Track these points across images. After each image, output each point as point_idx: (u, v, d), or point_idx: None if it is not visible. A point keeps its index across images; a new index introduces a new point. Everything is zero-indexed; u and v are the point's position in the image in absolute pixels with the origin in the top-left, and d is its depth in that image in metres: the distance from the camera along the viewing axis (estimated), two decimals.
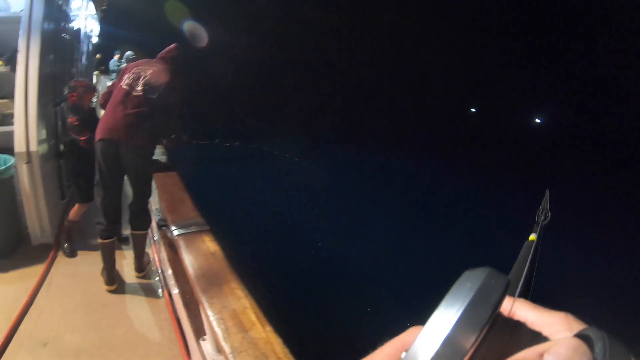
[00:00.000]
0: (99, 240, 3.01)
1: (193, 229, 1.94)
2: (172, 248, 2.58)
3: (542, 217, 2.77)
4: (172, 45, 3.07)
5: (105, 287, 3.09)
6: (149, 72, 2.86)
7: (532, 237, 2.52)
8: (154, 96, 2.78)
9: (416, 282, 5.31)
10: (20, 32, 3.36)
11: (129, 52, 8.17)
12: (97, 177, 2.95)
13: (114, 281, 3.10)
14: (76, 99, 3.36)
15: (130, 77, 2.86)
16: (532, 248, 2.41)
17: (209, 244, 1.82)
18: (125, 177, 2.95)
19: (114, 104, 2.82)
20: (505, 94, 42.39)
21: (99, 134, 2.81)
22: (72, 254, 3.42)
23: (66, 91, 3.43)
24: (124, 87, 2.82)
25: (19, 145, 3.28)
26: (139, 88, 2.79)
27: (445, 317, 0.26)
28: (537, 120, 40.51)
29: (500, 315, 0.29)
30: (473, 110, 42.86)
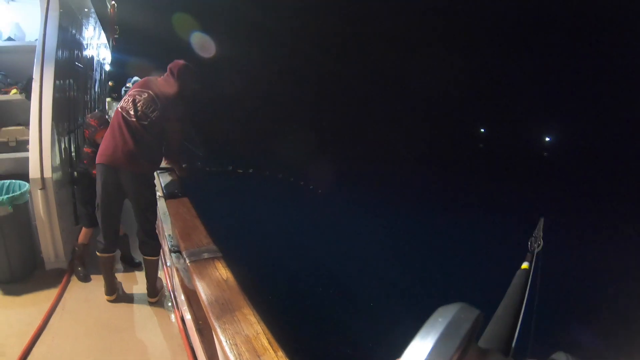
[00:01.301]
0: (98, 254, 3.07)
1: (206, 255, 1.94)
2: (184, 274, 2.57)
3: (536, 245, 2.63)
4: (180, 63, 3.01)
5: (105, 297, 3.17)
6: (144, 95, 2.84)
7: (525, 265, 2.38)
8: (146, 122, 2.78)
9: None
10: (35, 60, 3.45)
11: (135, 78, 8.36)
12: (97, 199, 2.97)
13: (113, 292, 3.19)
14: (89, 136, 3.43)
15: (126, 101, 2.87)
16: (528, 278, 2.27)
17: (222, 271, 1.82)
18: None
19: (112, 129, 2.86)
20: (516, 112, 41.00)
21: (98, 159, 2.84)
22: (85, 278, 3.45)
23: (80, 122, 3.49)
24: (120, 111, 2.84)
25: (33, 172, 3.34)
26: (132, 113, 2.79)
27: (418, 349, 0.29)
28: (547, 139, 38.60)
29: (472, 346, 0.32)
30: (482, 130, 41.21)
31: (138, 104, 2.80)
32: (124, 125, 2.77)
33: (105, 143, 2.85)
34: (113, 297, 3.16)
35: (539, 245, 2.58)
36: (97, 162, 2.85)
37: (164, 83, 2.93)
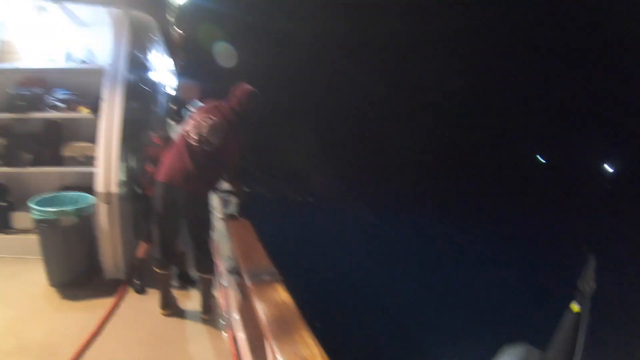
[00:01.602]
0: (154, 269, 3.20)
1: (266, 277, 2.01)
2: (241, 294, 2.65)
3: (588, 286, 2.51)
4: (245, 88, 3.07)
5: (160, 311, 3.28)
6: (208, 121, 2.94)
7: (574, 307, 2.29)
8: (207, 147, 2.89)
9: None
10: (105, 82, 3.72)
11: (197, 102, 8.81)
12: (154, 214, 3.11)
13: (168, 306, 3.31)
14: (152, 153, 3.61)
15: (190, 124, 3.00)
16: (579, 322, 2.20)
17: (281, 293, 1.88)
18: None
19: (174, 150, 3.01)
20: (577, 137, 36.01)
21: (159, 176, 3.00)
22: (141, 290, 3.62)
23: (145, 142, 3.68)
24: (183, 134, 2.99)
25: (100, 186, 3.59)
26: (195, 137, 2.91)
27: None
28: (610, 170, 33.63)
29: None
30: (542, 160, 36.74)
31: (201, 129, 2.92)
32: (186, 148, 2.91)
33: (166, 163, 3.00)
34: (167, 312, 3.28)
35: (591, 287, 2.51)
36: (157, 179, 3.00)
37: (229, 109, 3.02)
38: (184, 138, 2.96)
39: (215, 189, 3.18)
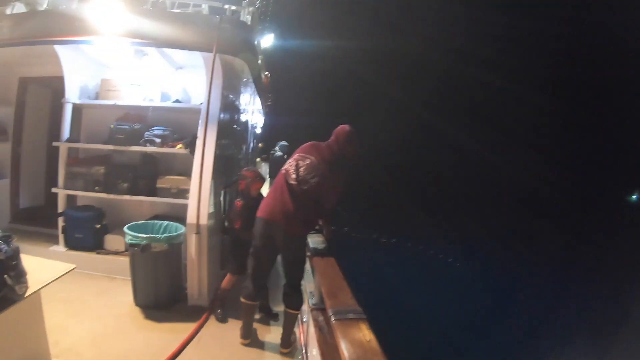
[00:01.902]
0: (242, 300, 3.32)
1: (351, 316, 2.03)
2: (322, 331, 2.69)
3: None
4: (346, 129, 3.11)
5: (240, 341, 3.38)
6: (307, 162, 3.02)
7: None
8: (306, 187, 2.97)
9: None
10: (200, 121, 4.05)
11: (283, 142, 9.36)
12: (252, 248, 3.23)
13: (248, 336, 3.42)
14: (244, 187, 3.81)
15: (290, 164, 3.11)
16: None
17: (365, 332, 1.89)
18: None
19: (274, 189, 3.14)
20: None
21: (259, 213, 3.14)
22: (223, 319, 3.77)
23: (236, 177, 3.93)
24: (283, 173, 3.10)
25: (191, 217, 3.87)
26: (293, 177, 3.01)
27: None
28: None
29: None
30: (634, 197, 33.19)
31: (300, 169, 3.01)
32: (285, 187, 3.01)
33: (267, 200, 3.15)
34: (247, 342, 3.40)
35: None
36: (257, 215, 3.14)
37: (328, 150, 3.09)
38: (284, 177, 3.07)
39: (312, 228, 3.24)
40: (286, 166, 3.13)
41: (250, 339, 3.44)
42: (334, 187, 3.05)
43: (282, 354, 3.33)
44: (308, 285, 3.38)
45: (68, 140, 4.73)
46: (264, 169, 10.53)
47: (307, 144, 3.22)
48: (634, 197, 32.24)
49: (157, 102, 4.78)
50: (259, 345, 3.47)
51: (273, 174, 9.62)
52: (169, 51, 4.61)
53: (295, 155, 3.15)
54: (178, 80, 5.03)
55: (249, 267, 3.27)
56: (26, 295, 2.21)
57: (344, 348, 1.73)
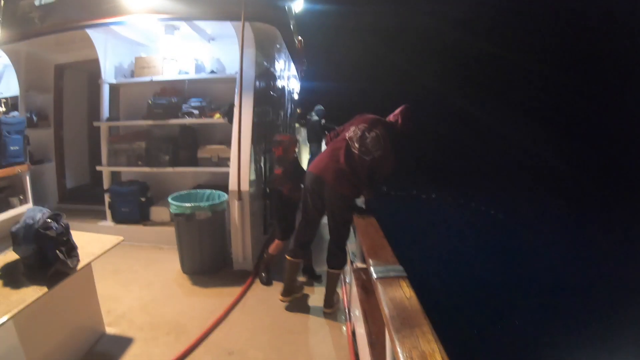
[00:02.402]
0: (287, 257, 3.39)
1: (392, 274, 2.04)
2: (364, 290, 2.69)
3: None
4: (406, 107, 3.18)
5: (280, 297, 3.43)
6: (372, 134, 3.05)
7: None
8: (367, 158, 3.00)
9: None
10: (236, 90, 4.03)
11: (319, 106, 9.39)
12: (302, 205, 3.28)
13: (289, 294, 3.46)
14: (282, 152, 3.81)
15: (354, 131, 3.11)
16: None
17: (405, 289, 1.89)
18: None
19: (332, 148, 3.15)
20: None
21: (311, 167, 3.18)
22: (267, 282, 3.84)
23: (273, 144, 3.94)
24: (346, 137, 3.10)
25: (232, 185, 3.92)
26: (357, 145, 3.04)
27: None
28: None
29: None
30: None
31: (367, 140, 3.04)
32: (345, 152, 3.04)
33: (321, 157, 3.18)
34: (287, 299, 3.44)
35: None
36: (308, 169, 3.19)
37: (392, 127, 3.14)
38: (346, 142, 3.10)
39: (359, 195, 3.22)
40: (350, 133, 3.12)
41: (291, 296, 3.47)
42: (390, 163, 3.06)
43: (325, 314, 3.36)
44: (350, 246, 3.37)
45: (108, 120, 4.88)
46: (303, 133, 10.55)
47: (371, 115, 3.24)
48: None
49: (192, 75, 4.81)
50: (303, 306, 3.51)
51: (311, 138, 9.62)
52: (200, 23, 4.60)
53: (360, 125, 3.14)
54: (211, 51, 5.03)
55: (298, 223, 3.33)
56: (78, 268, 2.33)
57: (385, 305, 1.74)
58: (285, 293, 3.46)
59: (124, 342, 2.86)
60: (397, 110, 3.18)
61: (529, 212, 12.23)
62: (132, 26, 4.68)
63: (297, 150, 4.00)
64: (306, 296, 3.68)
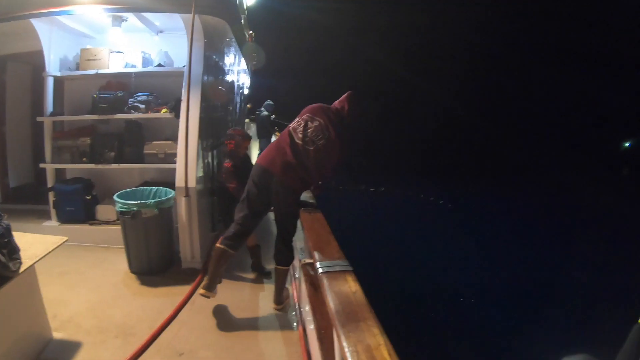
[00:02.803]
0: (217, 245, 3.15)
1: (337, 268, 2.04)
2: (313, 285, 2.69)
3: None
4: (354, 94, 3.12)
5: (200, 291, 3.13)
6: (315, 123, 3.00)
7: None
8: (311, 148, 2.96)
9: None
10: (183, 84, 3.95)
11: (268, 102, 9.27)
12: (243, 194, 3.15)
13: (212, 288, 3.14)
14: (234, 146, 3.78)
15: (297, 122, 3.08)
16: None
17: (351, 283, 1.90)
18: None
19: (278, 141, 3.11)
20: None
21: (259, 160, 3.13)
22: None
23: (225, 138, 3.88)
24: (290, 129, 3.07)
25: (179, 181, 3.83)
26: (300, 136, 3.00)
27: None
28: None
29: None
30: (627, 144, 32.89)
31: (308, 130, 2.99)
32: (290, 144, 3.00)
33: (269, 150, 3.12)
34: (209, 294, 3.14)
35: None
36: (256, 162, 3.13)
37: (336, 114, 3.08)
38: (289, 134, 3.06)
39: (307, 188, 3.19)
40: (293, 124, 3.09)
41: (214, 293, 3.20)
42: (337, 152, 3.01)
43: (276, 311, 3.33)
44: (299, 242, 3.37)
45: (52, 114, 4.64)
46: (253, 129, 10.44)
47: (315, 105, 3.18)
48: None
49: (139, 68, 4.67)
50: (253, 304, 3.50)
51: (261, 133, 9.53)
52: (148, 15, 4.47)
53: (304, 115, 3.10)
54: (159, 44, 4.91)
55: (237, 213, 3.17)
56: (21, 271, 2.21)
57: (330, 300, 1.74)
58: (210, 287, 3.14)
59: (72, 348, 2.75)
60: (343, 96, 3.13)
61: (475, 202, 12.74)
62: (79, 17, 4.46)
63: (248, 147, 3.97)
64: (256, 293, 3.66)
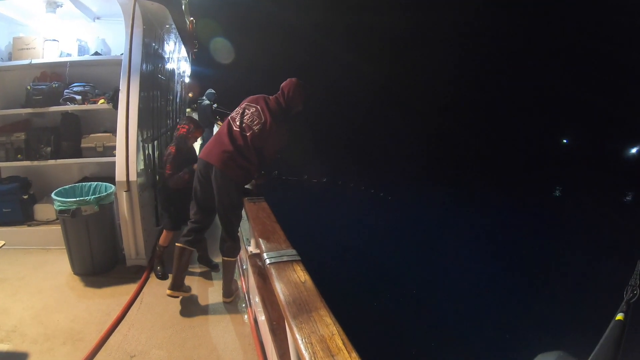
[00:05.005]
0: (177, 244, 3.20)
1: (285, 258, 2.01)
2: (261, 276, 2.66)
3: (631, 294, 2.37)
4: (293, 81, 3.09)
5: (167, 292, 3.17)
6: (252, 110, 3.02)
7: (620, 316, 2.14)
8: (248, 134, 2.95)
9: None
10: (121, 73, 3.75)
11: (211, 90, 9.07)
12: (193, 192, 3.16)
13: (178, 288, 3.20)
14: (185, 132, 3.68)
15: (236, 111, 3.09)
16: (623, 331, 2.09)
17: (300, 273, 1.87)
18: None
19: (218, 133, 3.10)
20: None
21: (201, 154, 3.10)
22: (163, 276, 3.67)
23: (180, 121, 3.76)
24: (229, 119, 3.07)
25: (119, 175, 3.65)
26: (237, 123, 3.00)
27: None
28: None
29: None
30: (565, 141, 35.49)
31: (245, 117, 3.01)
32: (228, 132, 3.00)
33: (209, 143, 3.10)
34: (177, 294, 3.21)
35: (634, 294, 2.28)
36: (199, 156, 3.11)
37: (274, 101, 3.08)
38: (229, 123, 3.06)
39: (248, 177, 3.14)
40: (232, 114, 3.10)
41: (180, 291, 3.27)
42: (275, 138, 3.01)
43: (225, 304, 3.29)
44: (245, 232, 3.29)
45: None
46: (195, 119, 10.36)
47: (256, 95, 3.18)
48: None
49: (75, 57, 4.39)
50: (202, 298, 3.42)
51: (203, 123, 9.38)
52: (85, 0, 4.19)
53: (243, 104, 3.11)
54: (96, 31, 4.63)
55: (190, 210, 3.21)
56: None
57: (280, 291, 1.71)
58: (175, 287, 3.20)
59: (18, 359, 2.61)
60: (283, 84, 3.12)
61: (415, 195, 13.24)
62: (10, 2, 4.16)
63: (198, 139, 3.89)
64: (205, 287, 3.57)
